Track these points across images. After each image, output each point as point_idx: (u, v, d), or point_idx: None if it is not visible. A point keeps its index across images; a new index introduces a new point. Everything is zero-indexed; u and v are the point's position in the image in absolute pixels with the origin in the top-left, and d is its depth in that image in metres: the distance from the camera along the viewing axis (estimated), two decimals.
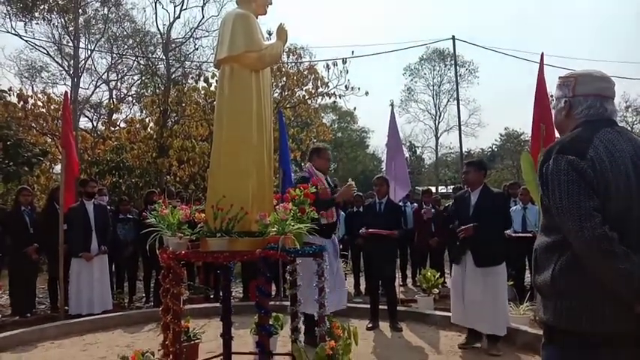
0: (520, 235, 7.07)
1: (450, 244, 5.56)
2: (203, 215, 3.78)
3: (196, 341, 4.53)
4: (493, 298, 4.73)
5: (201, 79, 14.44)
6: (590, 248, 1.64)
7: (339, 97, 14.65)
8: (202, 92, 14.23)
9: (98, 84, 19.59)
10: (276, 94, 14.71)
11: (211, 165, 3.97)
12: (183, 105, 14.47)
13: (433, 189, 17.84)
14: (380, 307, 5.95)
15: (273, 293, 7.60)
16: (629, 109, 29.27)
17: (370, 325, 5.76)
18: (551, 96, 2.07)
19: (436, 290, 6.76)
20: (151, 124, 14.93)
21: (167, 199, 4.03)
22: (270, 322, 3.97)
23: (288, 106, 14.91)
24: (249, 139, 3.72)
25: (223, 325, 4.40)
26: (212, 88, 13.14)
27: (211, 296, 7.67)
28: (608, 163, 1.71)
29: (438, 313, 6.05)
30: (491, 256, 4.77)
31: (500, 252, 4.91)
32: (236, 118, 3.73)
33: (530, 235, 6.72)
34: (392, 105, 8.57)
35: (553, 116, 2.08)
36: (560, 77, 1.99)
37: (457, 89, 20.97)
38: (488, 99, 56.16)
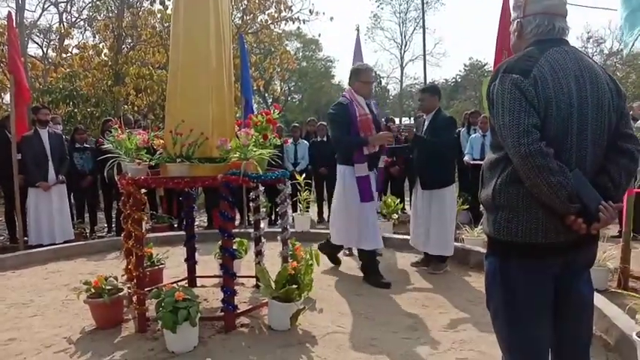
0: (477, 162, 7.26)
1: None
2: (162, 141, 3.71)
3: (160, 266, 4.58)
4: (438, 220, 4.90)
5: (157, 1, 13.61)
6: (525, 163, 1.69)
7: (303, 23, 14.15)
8: (159, 15, 13.45)
9: (46, 6, 18.25)
10: (236, 19, 14.08)
11: (168, 89, 3.84)
12: (139, 30, 13.71)
13: (397, 120, 17.90)
14: None
15: (238, 222, 7.70)
16: (590, 40, 29.48)
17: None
18: None
19: (395, 215, 7.00)
20: (105, 50, 14.14)
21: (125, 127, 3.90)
22: (235, 247, 4.04)
23: (249, 31, 14.34)
24: (207, 61, 3.60)
25: (187, 250, 4.45)
26: (169, 11, 12.42)
27: (175, 225, 7.70)
28: (551, 82, 1.74)
29: (395, 236, 6.31)
30: (436, 178, 4.89)
31: (445, 174, 4.97)
32: (193, 39, 3.58)
33: None
34: (358, 30, 8.40)
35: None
36: None
37: (423, 17, 20.60)
38: (454, 29, 55.55)
